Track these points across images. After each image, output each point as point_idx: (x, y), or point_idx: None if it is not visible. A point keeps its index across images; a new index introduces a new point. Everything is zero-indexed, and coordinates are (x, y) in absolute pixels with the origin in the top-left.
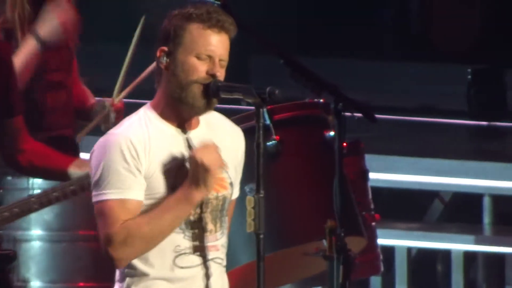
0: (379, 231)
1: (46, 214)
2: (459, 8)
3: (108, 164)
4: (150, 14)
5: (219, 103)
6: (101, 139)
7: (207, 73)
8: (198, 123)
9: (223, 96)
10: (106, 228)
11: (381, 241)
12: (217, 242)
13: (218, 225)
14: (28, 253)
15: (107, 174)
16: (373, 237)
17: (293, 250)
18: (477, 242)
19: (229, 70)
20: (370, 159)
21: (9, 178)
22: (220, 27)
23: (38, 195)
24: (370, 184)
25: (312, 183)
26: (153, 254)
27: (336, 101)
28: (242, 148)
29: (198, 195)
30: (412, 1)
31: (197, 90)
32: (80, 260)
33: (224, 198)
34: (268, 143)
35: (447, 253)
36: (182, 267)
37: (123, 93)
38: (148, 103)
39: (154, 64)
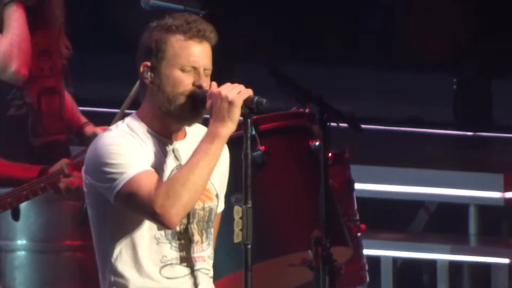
0: (364, 241)
1: (32, 224)
2: (445, 18)
3: (112, 155)
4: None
5: (206, 114)
6: (94, 143)
7: (193, 84)
8: (185, 134)
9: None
10: (145, 197)
11: (366, 251)
12: (204, 253)
13: (204, 236)
14: (13, 263)
15: (117, 160)
16: (358, 247)
17: (279, 260)
18: (463, 252)
19: (215, 79)
20: (355, 169)
21: None
22: (201, 36)
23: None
24: (355, 194)
25: (297, 193)
26: (140, 264)
27: (321, 111)
28: (227, 161)
29: (225, 130)
30: (397, 10)
31: (184, 102)
32: (66, 270)
33: (210, 210)
34: (253, 153)
35: (432, 263)
36: (168, 278)
37: None
38: (134, 112)
39: (132, 93)
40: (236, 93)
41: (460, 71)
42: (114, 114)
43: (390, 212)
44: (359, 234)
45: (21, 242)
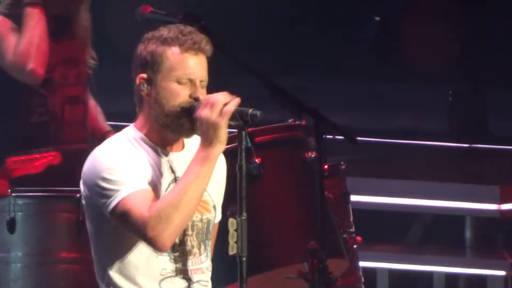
0: (360, 253)
1: (27, 236)
2: (439, 30)
3: (109, 170)
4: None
5: None
6: (92, 156)
7: (190, 96)
8: (182, 146)
9: None
10: (138, 218)
11: (362, 264)
12: (202, 265)
13: (202, 248)
14: (9, 276)
15: (114, 176)
16: (354, 260)
17: (274, 273)
18: (459, 264)
19: (210, 92)
20: (351, 181)
21: None
22: (196, 49)
23: None
24: (351, 206)
25: (293, 205)
26: (140, 277)
27: (317, 123)
28: (224, 172)
29: (215, 152)
30: (392, 23)
31: (181, 114)
32: (61, 282)
33: (208, 221)
34: (249, 166)
35: (429, 275)
36: None
37: None
38: (132, 124)
39: None
40: (218, 113)
41: (455, 82)
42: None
43: (386, 224)
44: (355, 246)
45: (16, 254)
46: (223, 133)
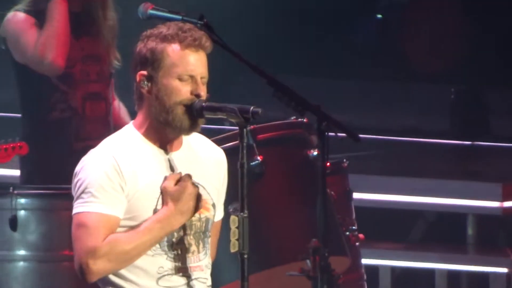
0: (363, 251)
1: (30, 234)
2: (441, 28)
3: (93, 180)
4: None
5: (203, 124)
6: (86, 157)
7: (191, 93)
8: (181, 144)
9: (207, 116)
10: (89, 240)
11: (365, 261)
12: (201, 263)
13: (201, 246)
14: (11, 274)
15: (91, 188)
16: (357, 257)
17: (277, 270)
18: (461, 262)
19: (212, 89)
20: (353, 179)
21: None
22: (197, 45)
23: None
24: (353, 203)
25: (295, 202)
26: (138, 275)
27: (319, 121)
28: (225, 170)
29: (180, 220)
30: (394, 21)
31: (182, 111)
32: (64, 280)
33: (207, 220)
34: (251, 163)
35: (431, 273)
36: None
37: None
38: (131, 122)
39: None
40: (189, 214)
41: (457, 81)
42: None
43: (388, 222)
44: (357, 243)
45: (19, 252)
46: (193, 206)
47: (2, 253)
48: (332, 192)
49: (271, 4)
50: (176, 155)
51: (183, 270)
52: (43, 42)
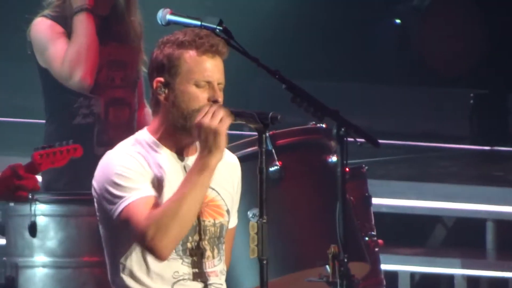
0: (382, 256)
1: (50, 240)
2: (461, 33)
3: (117, 175)
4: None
5: None
6: (103, 160)
7: (209, 100)
8: (195, 150)
9: None
10: (137, 226)
11: (384, 267)
12: (216, 268)
13: (215, 251)
14: (31, 280)
15: (119, 183)
16: (376, 263)
17: (296, 276)
18: (480, 267)
19: (230, 95)
20: (372, 184)
21: (12, 204)
22: (214, 51)
23: None
24: (373, 209)
25: (314, 208)
26: (153, 280)
27: (338, 126)
28: (239, 177)
29: (213, 160)
30: (413, 26)
31: None
32: (84, 286)
33: (221, 225)
34: (270, 169)
35: (450, 278)
36: None
37: None
38: (145, 128)
39: None
40: (217, 121)
41: (477, 85)
42: None
43: (407, 227)
44: (376, 249)
45: (39, 258)
46: (223, 140)
47: (22, 259)
48: (351, 198)
49: (289, 8)
50: (191, 161)
51: (198, 275)
52: (71, 59)
